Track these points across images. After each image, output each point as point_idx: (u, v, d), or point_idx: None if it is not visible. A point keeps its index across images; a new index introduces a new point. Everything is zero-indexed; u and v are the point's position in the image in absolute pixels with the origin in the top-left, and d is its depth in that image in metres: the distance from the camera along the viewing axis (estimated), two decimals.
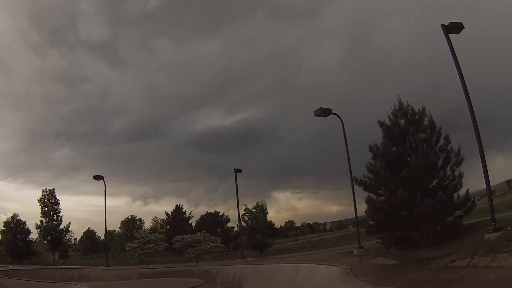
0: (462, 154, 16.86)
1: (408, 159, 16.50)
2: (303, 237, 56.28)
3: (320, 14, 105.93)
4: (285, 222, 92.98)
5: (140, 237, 38.81)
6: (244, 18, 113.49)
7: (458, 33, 16.50)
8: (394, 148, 17.40)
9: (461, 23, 16.32)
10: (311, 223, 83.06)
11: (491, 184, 15.76)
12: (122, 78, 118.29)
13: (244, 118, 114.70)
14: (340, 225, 61.34)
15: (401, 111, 17.61)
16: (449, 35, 16.44)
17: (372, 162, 17.78)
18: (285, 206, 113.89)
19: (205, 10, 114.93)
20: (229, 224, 59.27)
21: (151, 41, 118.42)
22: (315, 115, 23.68)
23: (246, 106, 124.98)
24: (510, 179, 70.18)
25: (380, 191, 17.16)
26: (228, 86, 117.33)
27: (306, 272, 18.57)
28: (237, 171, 33.55)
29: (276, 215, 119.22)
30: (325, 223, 45.05)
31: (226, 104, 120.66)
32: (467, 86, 15.80)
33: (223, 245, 37.49)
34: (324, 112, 23.40)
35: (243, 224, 36.56)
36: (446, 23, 16.36)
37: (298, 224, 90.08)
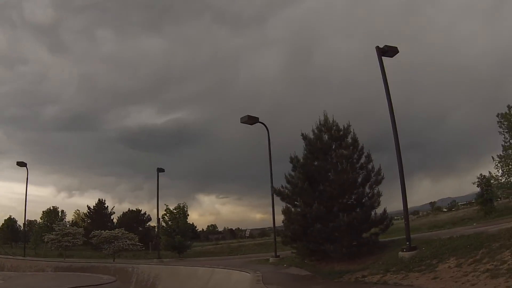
0: (382, 174, 17.46)
1: (328, 173, 16.62)
2: (223, 242, 56.09)
3: (265, 24, 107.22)
4: (208, 226, 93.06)
5: (59, 229, 37.26)
6: (190, 19, 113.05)
7: (392, 57, 16.70)
8: (316, 162, 17.60)
9: (396, 47, 16.46)
10: (234, 229, 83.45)
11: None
12: (61, 65, 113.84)
13: (176, 119, 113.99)
14: (262, 232, 61.89)
15: (326, 126, 17.86)
16: (384, 58, 16.55)
17: (292, 173, 17.87)
18: (209, 210, 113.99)
19: (151, 6, 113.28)
20: (151, 224, 58.18)
21: (94, 30, 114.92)
22: (241, 122, 23.53)
23: (180, 107, 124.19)
24: (434, 201, 74.18)
25: (297, 203, 17.33)
26: (164, 85, 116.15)
27: (220, 277, 18.66)
28: (160, 170, 33.06)
29: (199, 218, 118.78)
30: (245, 230, 45.32)
31: (161, 103, 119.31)
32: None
33: (141, 244, 36.64)
34: (250, 120, 23.28)
35: (163, 224, 35.87)
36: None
37: (220, 229, 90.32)
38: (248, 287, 14.00)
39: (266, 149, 23.74)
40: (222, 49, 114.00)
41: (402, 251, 14.57)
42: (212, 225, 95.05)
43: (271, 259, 22.14)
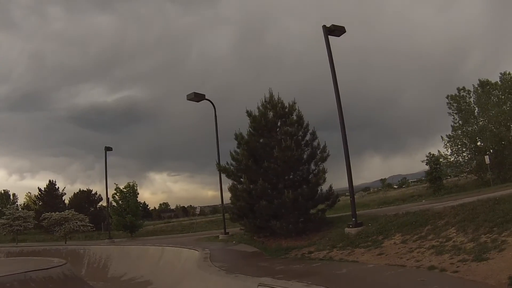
0: (327, 151, 17.61)
1: (273, 150, 16.65)
2: (175, 220, 55.91)
3: (218, 3, 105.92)
4: (160, 204, 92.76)
5: (9, 213, 36.25)
6: None
7: (338, 36, 16.74)
8: (261, 139, 17.64)
9: (343, 27, 16.49)
10: (186, 206, 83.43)
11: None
12: (10, 42, 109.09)
13: (126, 96, 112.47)
14: (213, 209, 62.00)
15: (271, 103, 17.81)
16: (337, 40, 16.67)
17: (237, 150, 17.83)
18: (161, 188, 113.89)
19: None
20: (103, 204, 57.33)
21: (44, 7, 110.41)
22: (188, 99, 23.26)
23: (131, 84, 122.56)
24: (385, 178, 76.04)
25: (242, 180, 17.36)
26: (115, 63, 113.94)
27: (170, 255, 18.77)
28: (108, 149, 32.53)
29: (151, 197, 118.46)
30: (196, 207, 45.30)
31: (111, 81, 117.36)
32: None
33: (92, 225, 36.19)
34: (197, 97, 23.05)
35: (114, 204, 35.45)
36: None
37: (172, 207, 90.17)
38: (196, 265, 13.94)
39: (214, 126, 23.65)
40: (174, 27, 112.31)
41: (348, 227, 14.81)
42: (164, 203, 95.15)
43: (220, 236, 22.28)
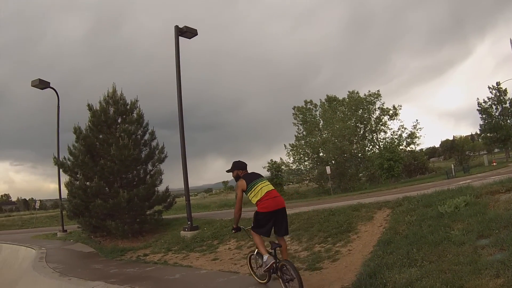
0: (165, 152, 17.69)
1: (110, 148, 16.25)
2: (16, 214, 52.25)
3: None
4: (1, 195, 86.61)
5: None
6: None
7: (189, 38, 16.74)
8: (100, 135, 17.10)
9: (195, 30, 16.52)
10: (27, 199, 78.69)
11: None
12: None
13: None
14: (55, 204, 59.06)
15: (113, 98, 17.37)
16: (187, 41, 16.69)
17: (75, 144, 17.07)
18: (2, 178, 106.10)
19: None
20: None
21: None
22: (32, 86, 21.80)
23: None
24: (227, 180, 78.50)
25: (78, 176, 16.74)
26: None
27: (7, 253, 17.75)
28: None
29: None
30: (35, 201, 42.74)
31: None
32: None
33: None
34: (41, 84, 21.78)
35: None
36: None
37: (14, 199, 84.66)
38: (31, 265, 13.10)
39: (63, 115, 22.55)
40: (30, 6, 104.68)
41: (184, 230, 14.89)
42: (5, 194, 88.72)
43: (59, 234, 21.42)
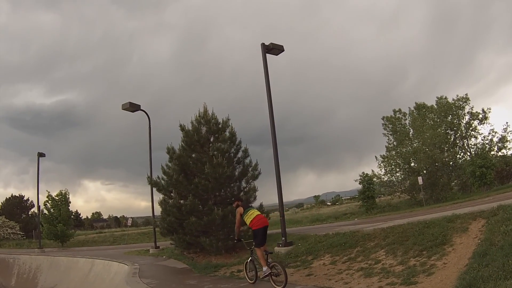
0: (259, 169, 17.63)
1: (204, 166, 16.49)
2: (107, 230, 54.46)
3: (164, 10, 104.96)
4: (93, 213, 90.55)
5: None
6: None
7: (277, 55, 16.69)
8: (193, 155, 17.42)
9: (281, 46, 16.45)
10: (118, 217, 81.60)
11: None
12: None
13: (64, 100, 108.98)
14: (146, 221, 60.91)
15: (205, 118, 17.66)
16: (268, 55, 16.45)
17: (169, 164, 17.54)
18: (94, 196, 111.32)
19: None
20: (35, 210, 55.14)
21: None
22: (123, 109, 22.66)
23: (70, 87, 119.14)
24: (318, 195, 77.13)
25: (172, 194, 17.11)
26: (56, 63, 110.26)
27: (100, 268, 18.39)
28: (40, 155, 31.20)
29: (85, 205, 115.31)
30: (127, 218, 44.21)
31: (51, 82, 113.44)
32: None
33: (22, 233, 34.70)
34: (132, 107, 22.56)
35: (45, 212, 34.08)
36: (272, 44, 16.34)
37: (105, 216, 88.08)
38: (124, 280, 13.54)
39: (153, 133, 23.28)
40: (117, 30, 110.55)
41: (278, 246, 14.76)
42: (97, 212, 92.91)
43: (151, 250, 21.92)
